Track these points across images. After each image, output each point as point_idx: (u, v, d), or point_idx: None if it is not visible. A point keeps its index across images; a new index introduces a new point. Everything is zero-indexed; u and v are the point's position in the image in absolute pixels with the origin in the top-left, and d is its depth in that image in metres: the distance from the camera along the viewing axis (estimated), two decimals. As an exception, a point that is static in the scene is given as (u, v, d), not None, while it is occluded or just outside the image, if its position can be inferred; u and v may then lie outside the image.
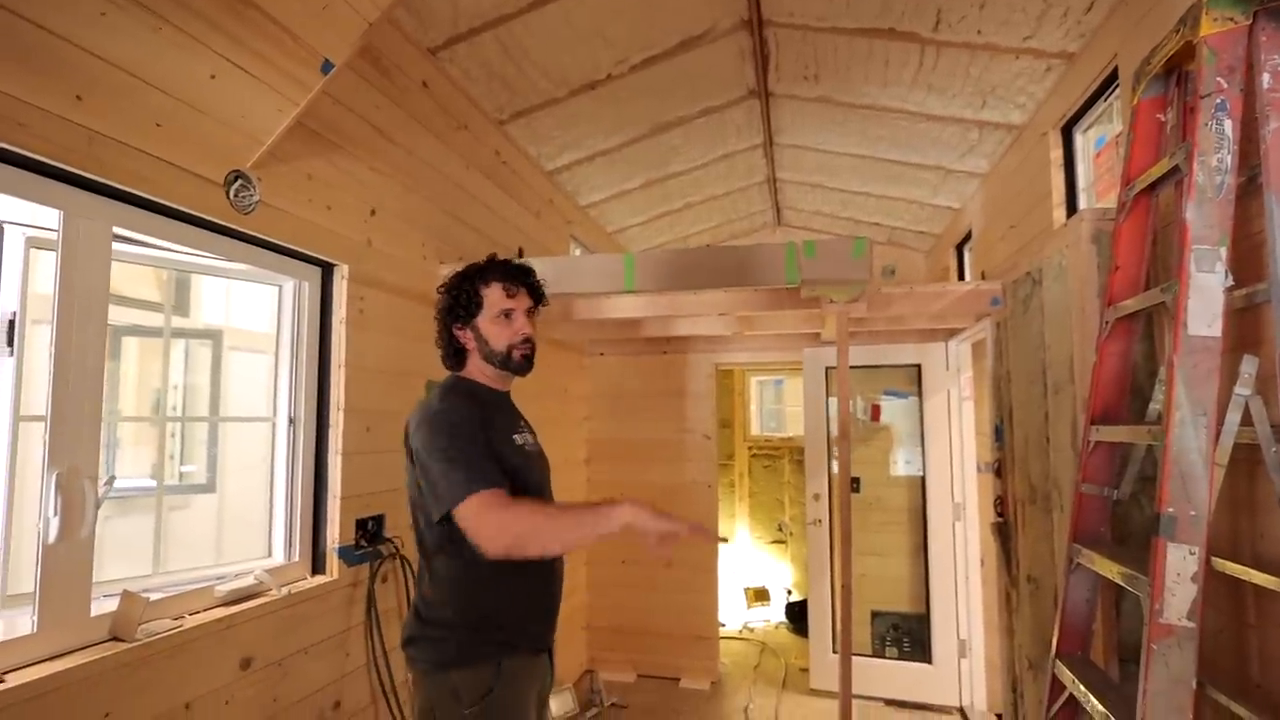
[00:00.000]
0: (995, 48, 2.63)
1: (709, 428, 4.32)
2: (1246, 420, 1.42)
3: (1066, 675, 1.77)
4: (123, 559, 1.93)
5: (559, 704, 3.61)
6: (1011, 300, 2.75)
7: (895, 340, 4.02)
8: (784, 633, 5.32)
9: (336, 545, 2.08)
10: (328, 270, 2.15)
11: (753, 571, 5.96)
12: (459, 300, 1.70)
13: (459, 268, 2.58)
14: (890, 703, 3.93)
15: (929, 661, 3.90)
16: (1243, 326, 1.53)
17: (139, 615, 1.57)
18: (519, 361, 1.74)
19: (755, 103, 3.42)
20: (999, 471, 2.99)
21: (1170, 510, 1.37)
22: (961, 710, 3.81)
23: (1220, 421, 1.41)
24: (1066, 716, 1.84)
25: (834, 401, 4.21)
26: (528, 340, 1.74)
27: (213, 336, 2.69)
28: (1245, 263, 1.52)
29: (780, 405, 6.84)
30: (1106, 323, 1.83)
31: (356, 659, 2.14)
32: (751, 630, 5.37)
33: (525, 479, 1.65)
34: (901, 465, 4.15)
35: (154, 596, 1.67)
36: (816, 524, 4.15)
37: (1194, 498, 1.36)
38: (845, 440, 2.66)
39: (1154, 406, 1.77)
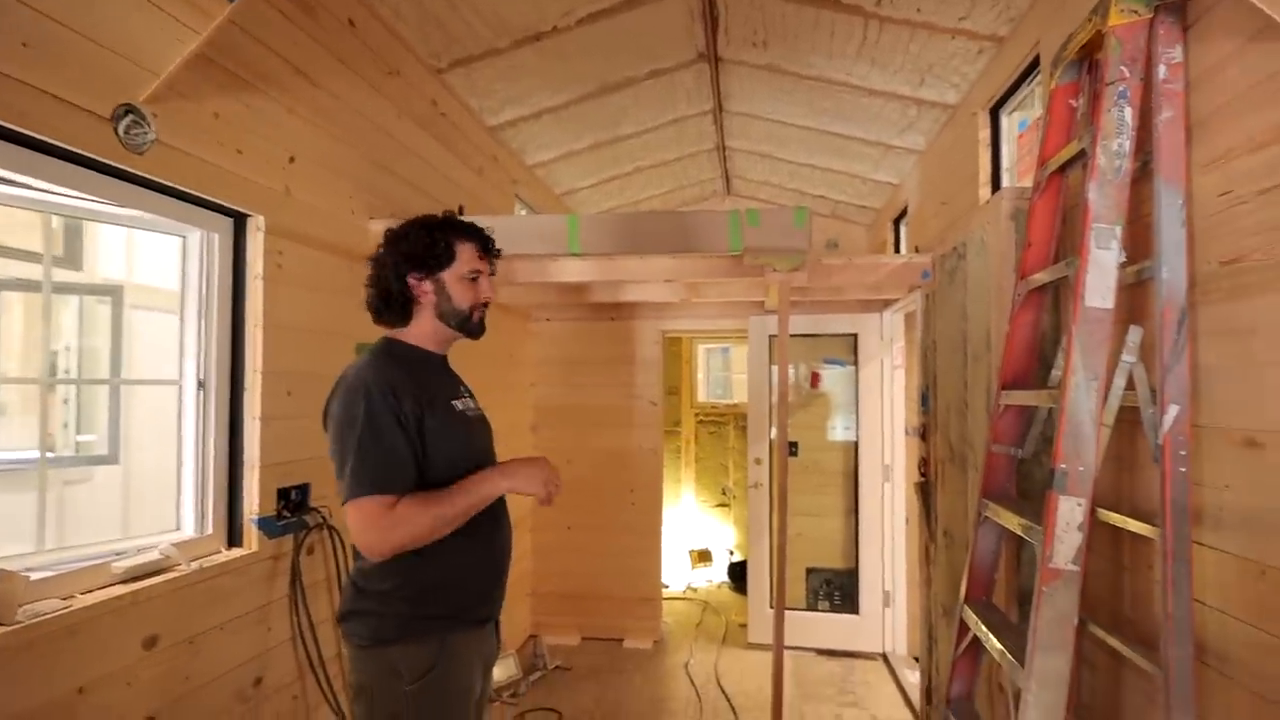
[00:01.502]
0: (933, 26, 2.73)
1: (655, 394, 4.42)
2: (1130, 385, 1.58)
3: (972, 618, 1.95)
4: (10, 538, 1.73)
5: (501, 670, 3.70)
6: (940, 273, 2.90)
7: (835, 310, 4.17)
8: (726, 592, 5.53)
9: (256, 516, 2.00)
10: (240, 221, 2.02)
11: (697, 534, 6.16)
12: (429, 249, 1.60)
13: (393, 223, 2.56)
14: (821, 652, 4.16)
15: (856, 613, 4.14)
16: (1131, 300, 1.68)
17: (18, 596, 1.44)
18: (476, 324, 1.69)
19: (705, 67, 3.46)
20: (924, 435, 3.17)
21: (1063, 466, 1.52)
22: (884, 656, 4.07)
23: (1109, 386, 1.56)
24: (971, 655, 2.03)
25: (777, 369, 4.37)
26: (488, 305, 1.71)
27: (112, 293, 2.50)
28: (1137, 242, 1.67)
29: (727, 373, 7.01)
30: (1019, 295, 1.97)
31: (280, 633, 2.09)
32: (695, 590, 5.56)
33: (466, 446, 1.63)
34: (839, 431, 4.34)
35: (39, 575, 1.53)
36: (757, 487, 4.33)
37: (1083, 455, 1.52)
38: (783, 405, 2.79)
39: (1055, 373, 1.93)
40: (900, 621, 4.05)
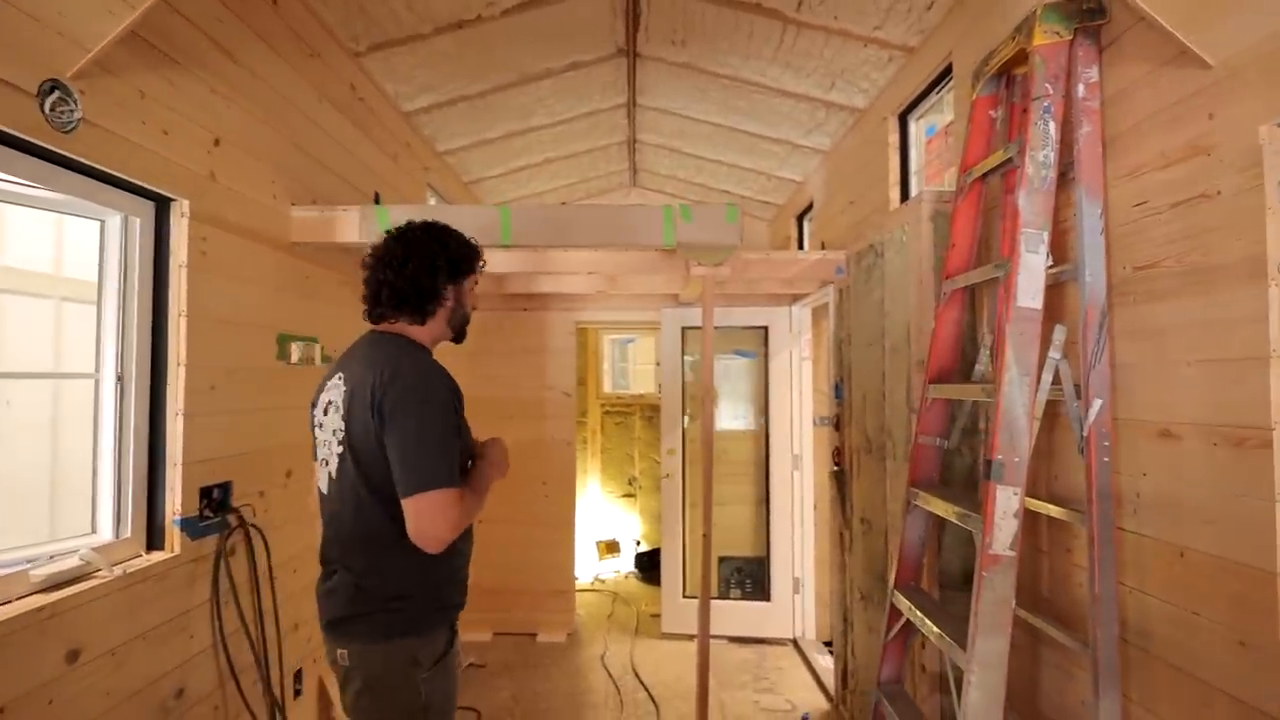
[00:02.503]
0: (848, 34, 2.81)
1: (569, 385, 4.35)
2: (1056, 380, 1.69)
3: (904, 603, 2.04)
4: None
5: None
6: (854, 269, 3.02)
7: (746, 303, 4.26)
8: (634, 582, 5.56)
9: (178, 517, 1.89)
10: (163, 205, 1.90)
11: (604, 525, 6.15)
12: (466, 258, 1.72)
13: (312, 212, 2.42)
14: (733, 639, 4.26)
15: (768, 599, 4.26)
16: (1052, 300, 1.80)
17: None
18: (464, 330, 1.83)
19: (623, 61, 3.41)
20: (838, 425, 3.30)
21: (999, 458, 1.61)
22: (795, 641, 4.22)
23: (1038, 381, 1.67)
24: (902, 638, 2.12)
25: (689, 360, 4.41)
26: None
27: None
28: (1058, 246, 1.78)
29: (628, 364, 7.02)
30: (944, 293, 2.07)
31: (201, 640, 1.98)
32: (603, 581, 5.55)
33: (473, 442, 1.76)
34: (748, 420, 4.44)
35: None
36: (669, 478, 4.36)
37: (1018, 446, 1.61)
38: (709, 397, 2.81)
39: (979, 368, 2.04)
40: (810, 607, 4.20)
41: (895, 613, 2.11)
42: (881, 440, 2.71)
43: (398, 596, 1.53)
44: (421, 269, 1.63)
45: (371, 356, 1.59)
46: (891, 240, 2.60)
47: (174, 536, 1.89)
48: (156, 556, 1.85)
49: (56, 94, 1.51)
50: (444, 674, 1.59)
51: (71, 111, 1.54)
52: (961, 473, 2.22)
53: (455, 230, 1.73)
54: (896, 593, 2.11)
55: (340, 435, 1.56)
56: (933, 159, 2.89)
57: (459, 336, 1.79)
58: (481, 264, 1.78)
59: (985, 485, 1.64)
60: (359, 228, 2.41)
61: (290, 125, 2.40)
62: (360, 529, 1.54)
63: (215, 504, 1.99)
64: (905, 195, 3.03)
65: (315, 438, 1.67)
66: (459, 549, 1.60)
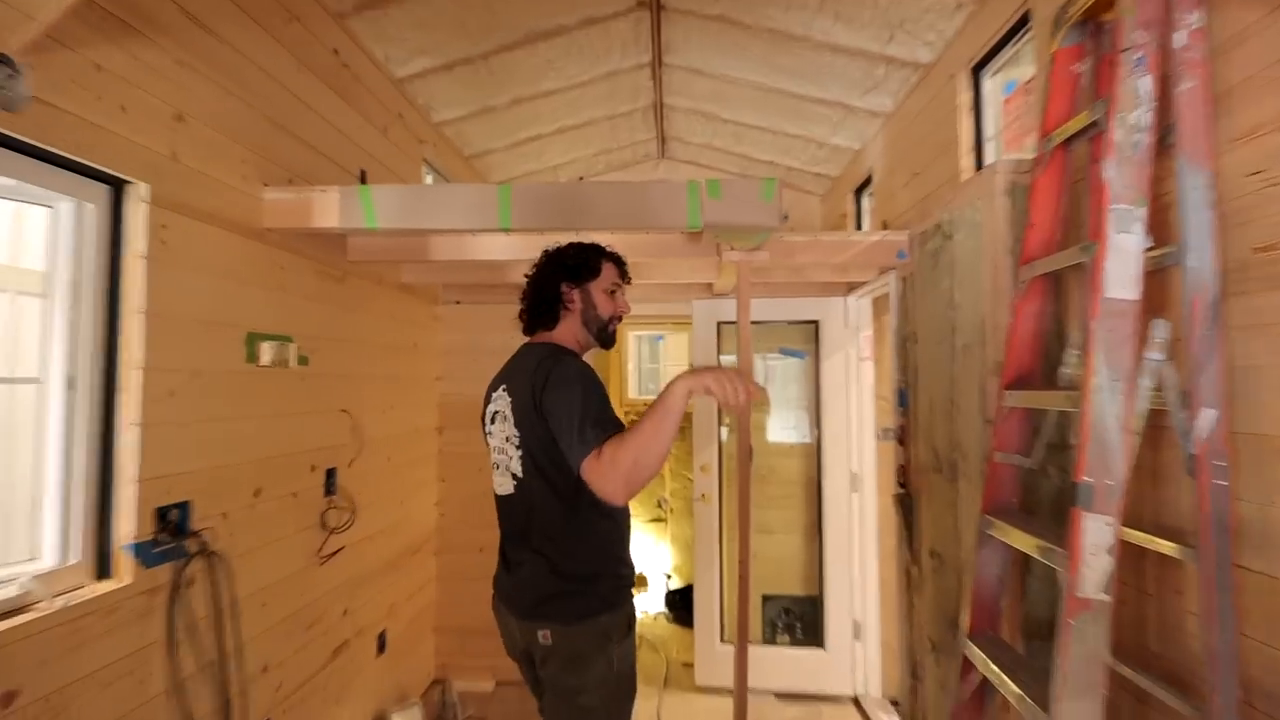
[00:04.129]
0: (907, -25, 2.78)
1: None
2: (1158, 387, 1.64)
3: (978, 655, 2.00)
4: None
5: (407, 721, 3.60)
6: (919, 253, 2.97)
7: (793, 294, 4.23)
8: (664, 624, 5.55)
9: (130, 542, 1.94)
10: (118, 189, 1.96)
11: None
12: (582, 262, 2.15)
13: (287, 194, 2.47)
14: (781, 695, 4.23)
15: (822, 647, 4.22)
16: (1152, 290, 1.75)
17: None
18: (611, 334, 2.24)
19: (645, 15, 3.42)
20: (902, 439, 3.25)
21: (1088, 480, 1.57)
22: (855, 700, 4.17)
23: (1135, 387, 1.62)
24: (978, 699, 2.08)
25: (726, 359, 4.39)
26: (622, 318, 2.25)
27: None
28: (1157, 225, 1.73)
29: (658, 364, 7.02)
30: (1022, 282, 2.03)
31: (155, 685, 2.01)
32: (628, 622, 5.55)
33: None
34: (798, 433, 4.41)
35: None
36: (703, 499, 4.34)
37: (1111, 466, 1.57)
38: (747, 404, 2.79)
39: (1064, 370, 2.00)
40: (874, 657, 4.15)
41: (969, 666, 2.08)
42: (953, 457, 2.67)
43: (588, 577, 1.99)
44: (542, 277, 2.17)
45: (526, 365, 2.05)
46: (961, 219, 2.55)
47: (125, 564, 1.93)
48: (105, 586, 1.89)
49: (4, 69, 1.57)
50: (629, 644, 2.06)
51: (18, 88, 1.60)
52: (1048, 498, 2.17)
53: (579, 244, 2.20)
54: (970, 642, 2.07)
55: (516, 441, 2.02)
56: (1012, 121, 2.84)
57: (603, 340, 2.22)
58: (613, 265, 2.21)
59: (1072, 513, 1.60)
60: (339, 210, 2.45)
61: (264, 97, 2.45)
62: (548, 521, 1.99)
63: (172, 527, 2.04)
64: (980, 165, 2.98)
65: (489, 446, 2.19)
66: (621, 538, 2.10)
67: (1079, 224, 2.06)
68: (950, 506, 2.69)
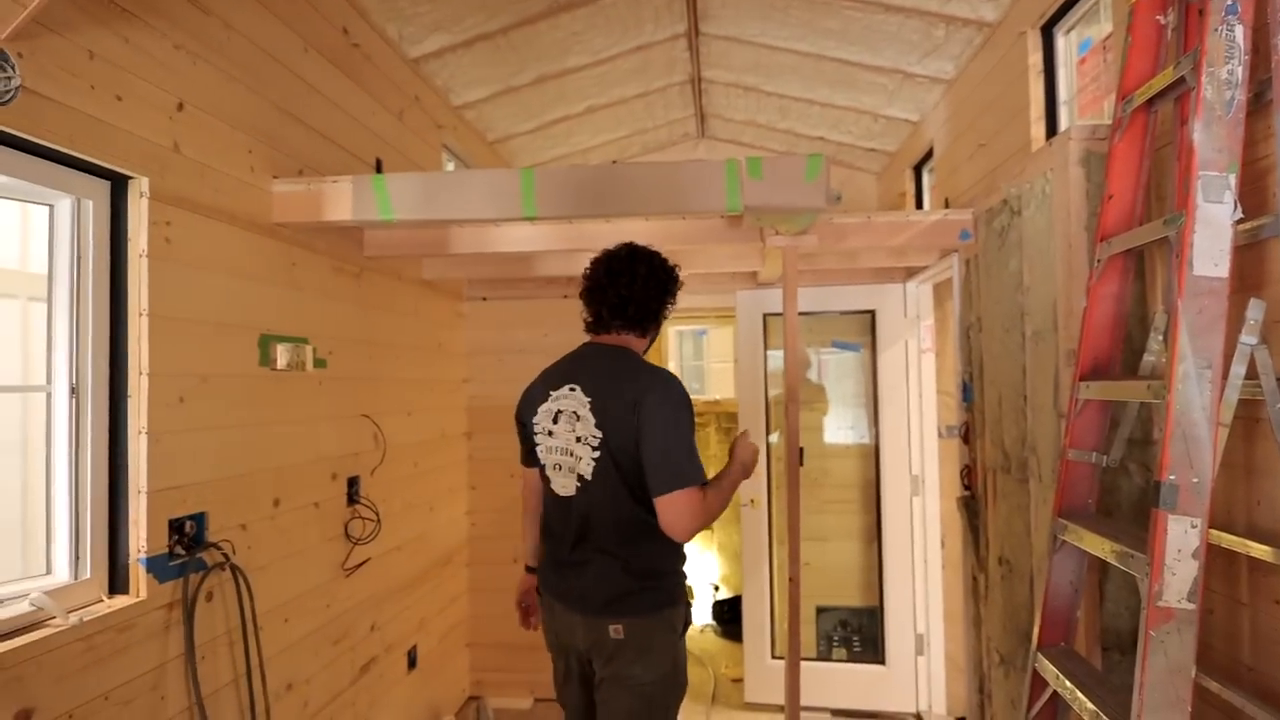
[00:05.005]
0: (968, -76, 2.72)
1: (620, 392, 4.37)
2: (1251, 373, 1.58)
3: (1049, 670, 1.95)
4: None
5: (438, 741, 3.65)
6: (984, 233, 2.91)
7: (845, 281, 4.17)
8: (711, 637, 5.53)
9: (143, 555, 1.97)
10: (120, 185, 1.99)
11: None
12: (677, 281, 2.40)
13: (298, 185, 2.50)
14: (838, 713, 4.18)
15: (882, 662, 4.17)
16: (1245, 265, 1.68)
17: None
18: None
19: (679, -20, 3.41)
20: (966, 436, 3.19)
21: (1171, 478, 1.51)
22: (918, 716, 4.11)
23: (1225, 375, 1.56)
24: (1048, 716, 2.03)
25: (774, 355, 4.35)
26: None
27: None
28: (1248, 192, 1.67)
29: (702, 362, 6.99)
30: (1098, 260, 1.97)
31: (176, 703, 2.05)
32: (672, 636, 5.55)
33: None
34: (853, 432, 4.36)
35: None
36: (751, 505, 4.31)
37: (1197, 463, 1.51)
38: (794, 403, 2.77)
39: (1147, 358, 1.93)
40: (938, 673, 4.09)
41: (1039, 682, 2.02)
42: (1023, 456, 2.60)
43: (659, 574, 2.21)
44: (655, 285, 2.32)
45: (616, 368, 2.25)
46: (1031, 192, 2.49)
47: (139, 578, 1.97)
48: (120, 602, 1.94)
49: (-7, 59, 1.59)
50: (684, 640, 2.30)
51: (8, 79, 1.62)
52: (1128, 499, 2.11)
53: (669, 260, 2.40)
54: (1040, 656, 2.02)
55: (595, 442, 2.16)
56: (1088, 83, 2.76)
57: (646, 350, 2.42)
58: (680, 285, 2.43)
59: (1154, 515, 1.54)
60: (353, 203, 2.48)
61: (269, 81, 2.48)
62: (623, 520, 2.17)
63: (188, 539, 2.08)
64: (1053, 133, 2.90)
65: (536, 444, 2.34)
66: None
67: (1163, 195, 1.99)
68: (1021, 510, 2.63)
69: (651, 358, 3.10)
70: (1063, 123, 2.91)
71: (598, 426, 2.16)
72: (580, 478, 2.19)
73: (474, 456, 4.42)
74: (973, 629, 3.21)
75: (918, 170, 4.60)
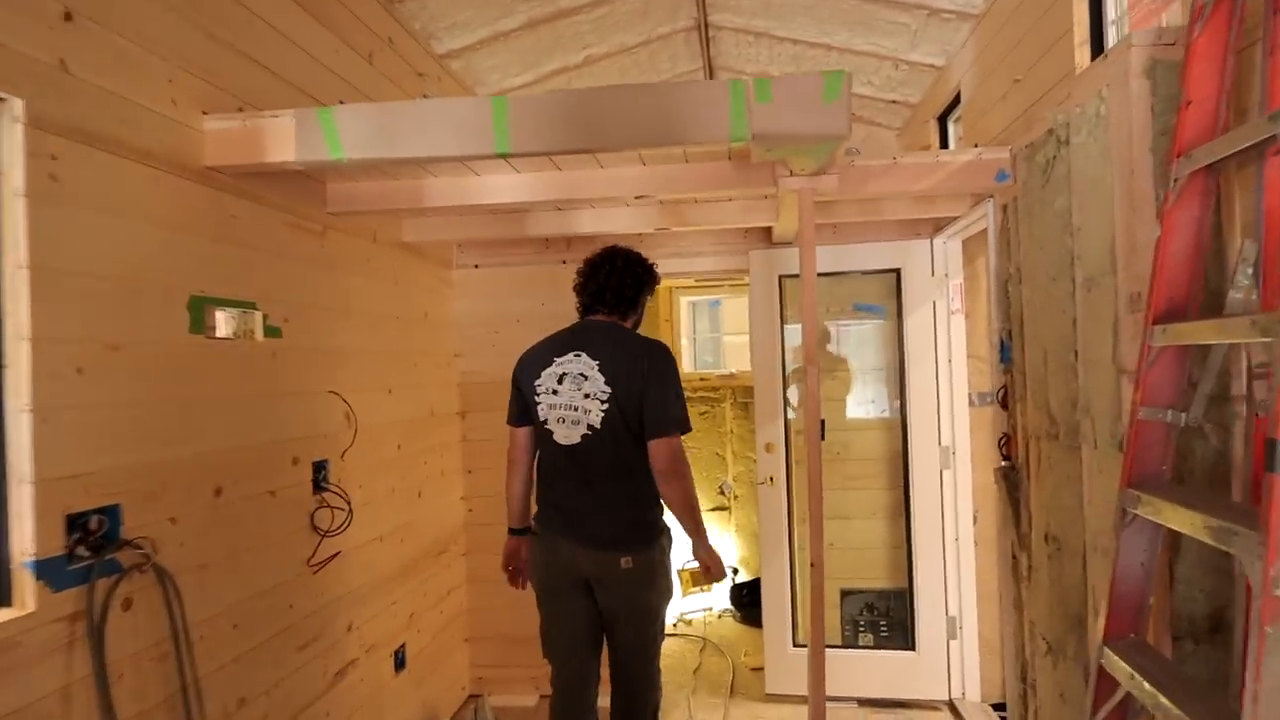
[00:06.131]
0: None
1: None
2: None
3: (1121, 668, 1.64)
4: None
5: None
6: (1025, 171, 2.58)
7: (866, 237, 3.85)
8: (730, 622, 5.27)
9: (31, 558, 1.63)
10: None
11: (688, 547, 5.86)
12: (653, 279, 2.87)
13: (231, 122, 2.20)
14: (865, 703, 3.90)
15: (912, 648, 3.87)
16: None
17: None
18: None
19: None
20: (1005, 401, 2.88)
21: (1291, 433, 1.20)
22: (951, 704, 3.82)
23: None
24: (1117, 718, 1.73)
25: (791, 329, 4.04)
26: None
27: None
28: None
29: (718, 334, 6.67)
30: (1175, 181, 1.64)
31: None
32: (689, 623, 5.29)
33: None
34: (876, 404, 4.05)
35: None
36: (769, 483, 4.02)
37: (1324, 413, 1.20)
38: (813, 364, 2.47)
39: (1234, 295, 1.61)
40: (972, 657, 3.79)
41: (1106, 680, 1.72)
42: (1074, 420, 2.29)
43: (653, 504, 2.64)
44: (634, 280, 2.76)
45: (617, 338, 2.68)
46: (1082, 116, 2.16)
47: (26, 587, 1.63)
48: (3, 615, 1.60)
49: None
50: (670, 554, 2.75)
51: None
52: (1207, 464, 1.79)
53: (649, 261, 2.85)
54: (1107, 650, 1.71)
55: (604, 396, 2.54)
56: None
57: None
58: (657, 281, 2.92)
59: (1269, 481, 1.23)
60: (296, 140, 2.18)
61: (197, 3, 2.13)
62: (627, 465, 2.58)
63: (94, 538, 1.75)
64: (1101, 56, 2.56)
65: (537, 403, 2.66)
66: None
67: (1243, 107, 1.66)
68: (1071, 480, 2.32)
69: (664, 332, 3.49)
70: (1111, 43, 2.56)
71: (607, 384, 2.55)
72: (590, 427, 2.56)
73: (468, 437, 4.14)
74: (1013, 612, 2.91)
75: (942, 122, 4.25)
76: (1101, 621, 1.74)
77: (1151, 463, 1.70)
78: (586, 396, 2.56)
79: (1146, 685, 1.55)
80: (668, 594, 2.73)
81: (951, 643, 3.83)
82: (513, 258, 4.09)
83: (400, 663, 3.35)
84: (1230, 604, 1.84)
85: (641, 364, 2.55)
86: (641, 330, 5.21)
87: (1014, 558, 2.88)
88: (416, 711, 3.52)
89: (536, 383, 2.66)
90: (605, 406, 2.54)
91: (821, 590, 2.65)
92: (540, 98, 2.08)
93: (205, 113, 2.18)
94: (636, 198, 2.74)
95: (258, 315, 2.38)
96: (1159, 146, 1.86)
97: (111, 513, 1.82)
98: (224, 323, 2.22)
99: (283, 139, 2.19)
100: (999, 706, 3.77)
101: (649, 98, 2.05)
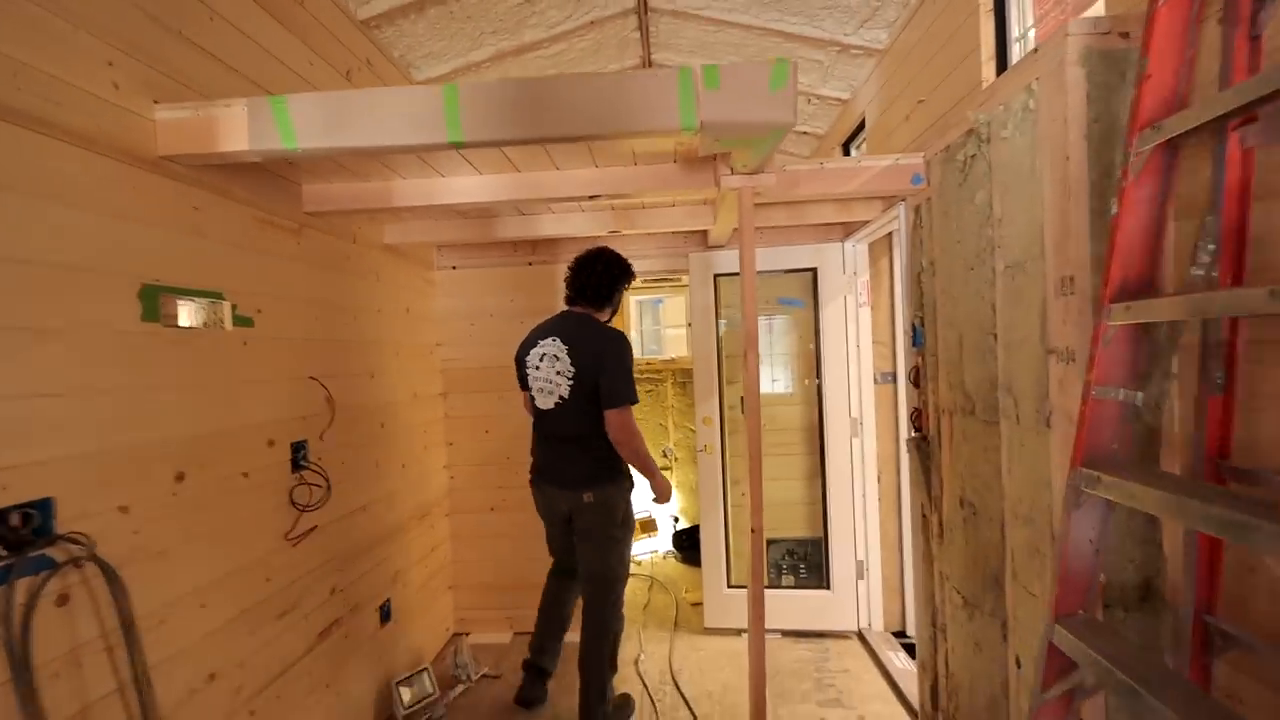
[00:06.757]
0: None
1: (584, 351, 3.59)
2: None
3: (1074, 644, 1.22)
4: None
5: (410, 693, 2.87)
6: (940, 173, 2.16)
7: (789, 240, 3.41)
8: (673, 563, 4.83)
9: None
10: None
11: (638, 501, 5.41)
12: (629, 274, 2.69)
13: (183, 111, 1.63)
14: (788, 634, 3.49)
15: (827, 587, 3.47)
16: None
17: None
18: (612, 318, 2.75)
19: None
20: (916, 380, 2.46)
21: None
22: (860, 634, 3.43)
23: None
24: (1067, 698, 1.31)
25: (725, 314, 3.59)
26: None
27: None
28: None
29: (659, 326, 6.24)
30: (1138, 154, 1.22)
31: None
32: (639, 563, 4.83)
33: None
34: (795, 381, 3.63)
35: None
36: (706, 451, 3.57)
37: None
38: (753, 349, 2.02)
39: (1195, 272, 1.19)
40: (876, 594, 3.41)
41: (1057, 657, 1.30)
42: (991, 398, 1.88)
43: (611, 456, 2.53)
44: (609, 276, 2.61)
45: (586, 326, 2.56)
46: (1008, 112, 1.73)
47: None
48: None
49: None
50: (629, 496, 2.64)
51: None
52: (1138, 439, 1.39)
53: (624, 259, 2.68)
54: (1059, 628, 1.29)
55: (570, 375, 2.47)
56: (1049, 9, 2.00)
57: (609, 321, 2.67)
58: (632, 277, 2.72)
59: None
60: (249, 129, 1.65)
61: None
62: (588, 427, 2.49)
63: (18, 534, 1.24)
64: (1005, 70, 2.15)
65: (527, 375, 2.61)
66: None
67: (1210, 78, 1.25)
68: (989, 452, 1.91)
69: (617, 325, 2.99)
70: (1015, 58, 2.15)
71: (573, 364, 2.49)
72: (560, 397, 2.51)
73: (449, 415, 3.62)
74: (923, 564, 2.51)
75: (845, 148, 3.83)
76: (1051, 597, 1.32)
77: (1103, 443, 1.28)
78: (558, 374, 2.51)
79: (1100, 660, 1.13)
80: (626, 528, 2.62)
81: (860, 582, 3.43)
82: (486, 260, 3.58)
83: (386, 615, 2.83)
84: (1158, 574, 1.44)
85: (600, 350, 2.48)
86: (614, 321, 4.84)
87: (924, 517, 2.48)
88: (404, 655, 3.01)
89: (526, 359, 2.63)
90: (571, 383, 2.49)
91: (762, 550, 2.21)
92: (491, 85, 1.58)
93: (157, 101, 1.63)
94: (590, 198, 2.25)
95: (226, 305, 1.84)
96: (1093, 133, 1.44)
97: (43, 506, 1.30)
98: (190, 312, 1.69)
99: (235, 128, 1.66)
100: (899, 634, 3.40)
101: (600, 87, 1.56)
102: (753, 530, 2.15)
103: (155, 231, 1.62)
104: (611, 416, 2.44)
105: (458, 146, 1.62)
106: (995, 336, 1.85)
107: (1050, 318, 1.57)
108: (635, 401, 2.50)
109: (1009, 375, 1.78)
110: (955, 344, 2.11)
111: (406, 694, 2.86)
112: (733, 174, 2.02)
